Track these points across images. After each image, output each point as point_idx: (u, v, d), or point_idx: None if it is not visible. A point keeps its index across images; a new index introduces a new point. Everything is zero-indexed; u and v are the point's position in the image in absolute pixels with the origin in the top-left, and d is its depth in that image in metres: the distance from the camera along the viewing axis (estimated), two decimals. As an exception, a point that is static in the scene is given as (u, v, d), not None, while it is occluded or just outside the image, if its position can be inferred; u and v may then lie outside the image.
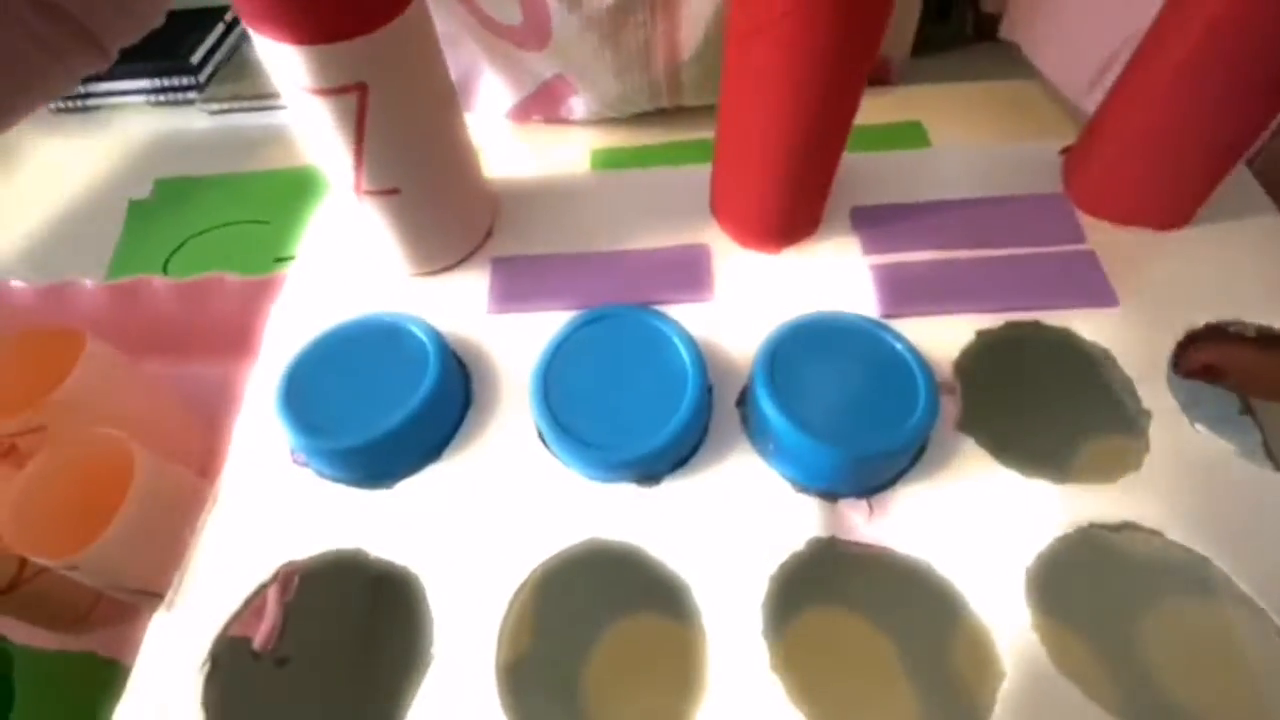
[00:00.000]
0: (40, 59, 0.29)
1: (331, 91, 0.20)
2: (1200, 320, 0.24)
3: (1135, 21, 0.24)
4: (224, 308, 0.37)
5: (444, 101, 0.23)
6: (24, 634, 0.30)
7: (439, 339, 0.24)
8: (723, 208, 0.28)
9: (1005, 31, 0.50)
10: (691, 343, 0.23)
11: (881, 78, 0.54)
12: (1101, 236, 0.27)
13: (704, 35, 0.44)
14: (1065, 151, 0.29)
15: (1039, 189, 0.29)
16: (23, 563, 0.28)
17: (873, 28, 0.21)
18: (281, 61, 0.20)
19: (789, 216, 0.27)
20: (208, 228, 0.51)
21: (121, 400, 0.30)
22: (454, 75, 0.53)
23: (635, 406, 0.22)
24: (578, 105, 0.51)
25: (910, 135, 0.51)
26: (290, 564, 0.22)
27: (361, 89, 0.20)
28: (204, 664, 0.20)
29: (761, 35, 0.21)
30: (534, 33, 0.45)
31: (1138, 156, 0.26)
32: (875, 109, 0.54)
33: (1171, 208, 0.27)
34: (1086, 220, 0.27)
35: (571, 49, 0.45)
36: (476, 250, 0.28)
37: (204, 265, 0.44)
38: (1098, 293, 0.25)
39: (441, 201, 0.25)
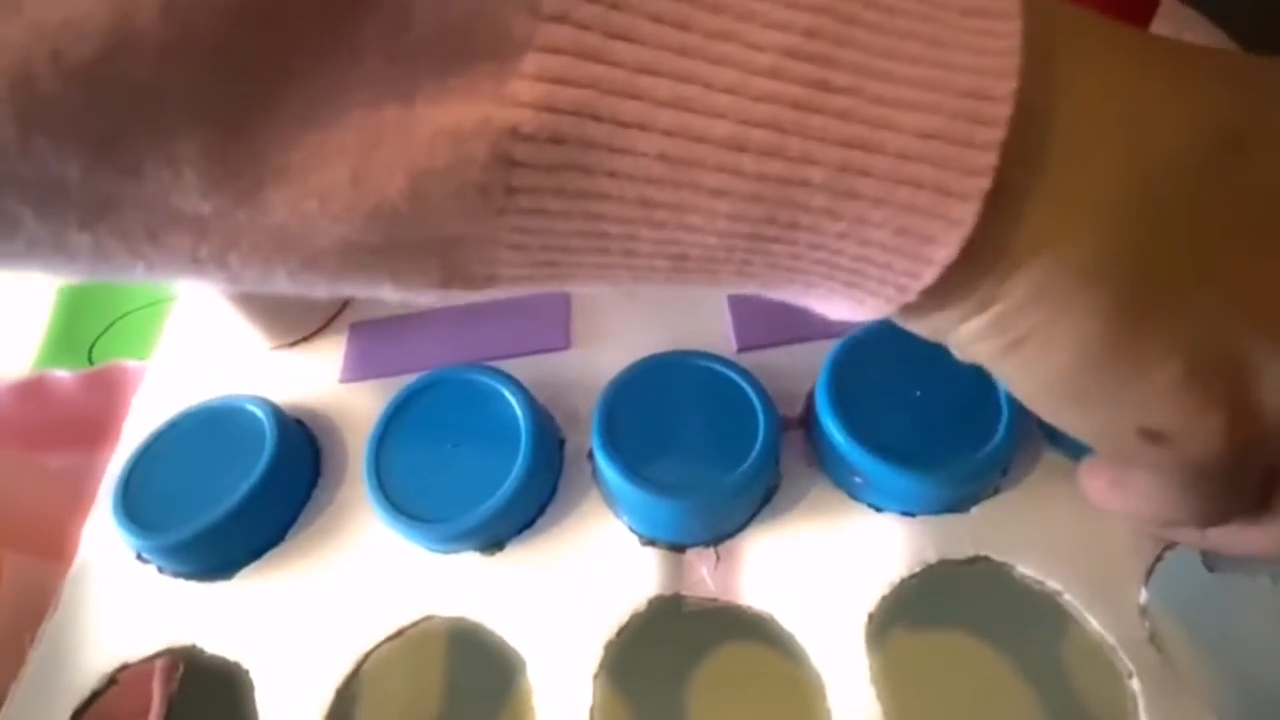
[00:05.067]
0: None
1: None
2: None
3: None
4: (125, 394, 0.37)
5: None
6: None
7: (277, 418, 0.23)
8: (578, 250, 0.27)
9: None
10: (528, 399, 0.22)
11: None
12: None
13: None
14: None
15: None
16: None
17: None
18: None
19: (640, 254, 0.26)
20: (130, 309, 0.51)
21: (8, 503, 0.30)
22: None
23: (470, 473, 0.21)
24: None
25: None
26: (128, 666, 0.21)
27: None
28: (31, 783, 0.19)
29: None
30: None
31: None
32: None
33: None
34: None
35: None
36: (337, 315, 0.28)
37: (127, 349, 0.44)
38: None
39: (279, 276, 0.25)
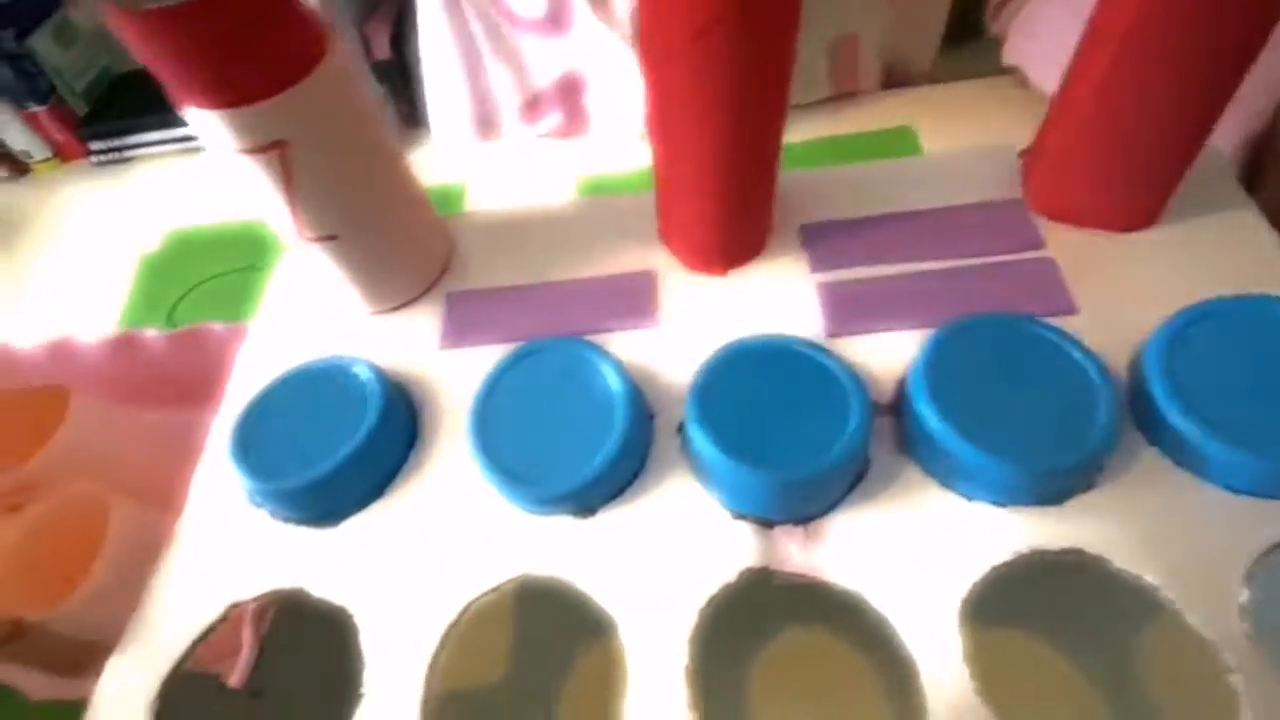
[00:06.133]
0: None
1: (254, 151, 0.21)
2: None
3: None
4: (214, 355, 0.39)
5: (373, 148, 0.24)
6: (31, 681, 0.31)
7: (381, 380, 0.24)
8: (668, 232, 0.28)
9: (1007, 57, 0.48)
10: (622, 372, 0.23)
11: (901, 79, 0.53)
12: (1061, 241, 0.26)
13: None
14: (1024, 153, 0.28)
15: (1000, 194, 0.28)
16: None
17: (784, 48, 0.21)
18: (203, 126, 0.21)
19: (730, 238, 0.27)
20: (209, 277, 0.53)
21: (110, 452, 0.32)
22: (471, 100, 0.55)
23: (567, 440, 0.22)
24: (593, 104, 0.52)
25: (900, 141, 0.50)
26: (237, 604, 0.22)
27: (282, 146, 0.21)
28: (152, 704, 0.21)
29: (674, 63, 0.21)
30: (556, 23, 0.46)
31: (1083, 158, 0.24)
32: (864, 116, 0.53)
33: (1130, 207, 0.25)
34: (1047, 225, 0.26)
35: (591, 43, 0.46)
36: (433, 285, 0.29)
37: (205, 313, 0.46)
38: (1054, 300, 0.24)
39: (386, 242, 0.26)
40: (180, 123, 0.76)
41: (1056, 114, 0.25)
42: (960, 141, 0.50)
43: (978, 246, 0.26)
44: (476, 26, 0.49)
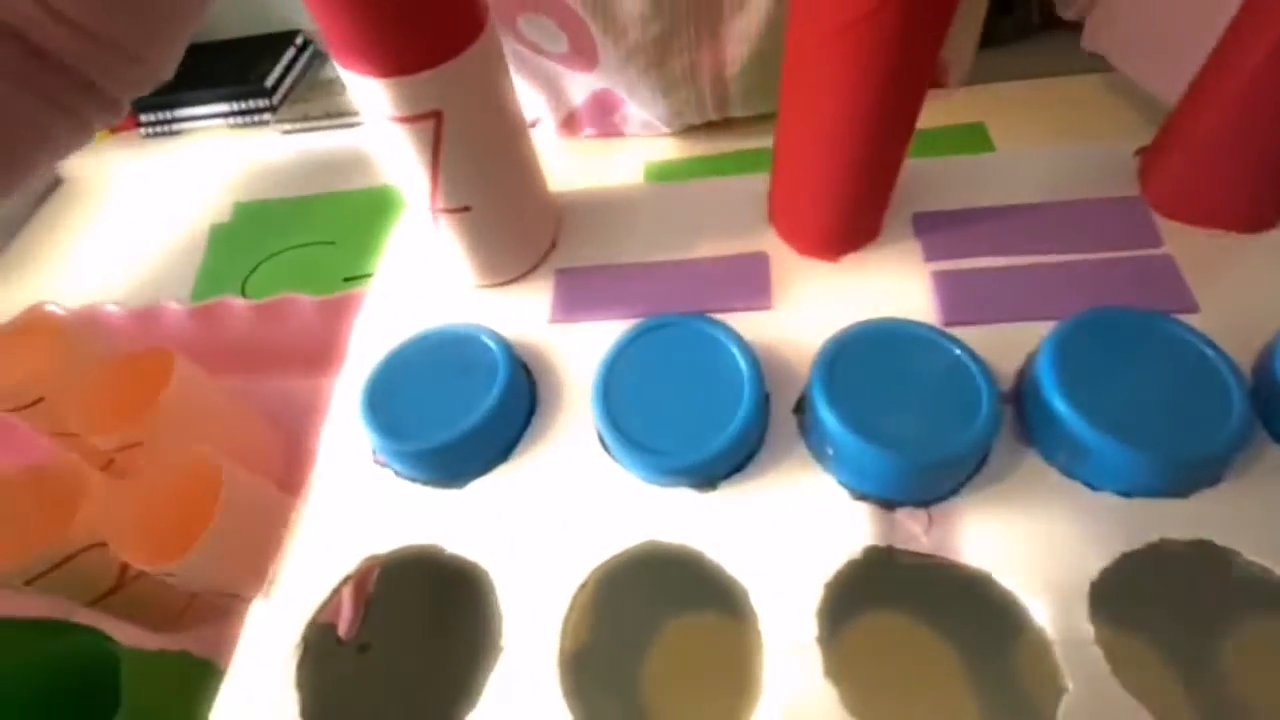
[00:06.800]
0: (44, 114, 0.27)
1: (410, 119, 0.22)
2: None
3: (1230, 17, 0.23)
4: (297, 326, 0.40)
5: (513, 123, 0.25)
6: (126, 633, 0.32)
7: (507, 348, 0.25)
8: (781, 216, 0.28)
9: (1087, 43, 0.48)
10: (748, 350, 0.24)
11: (938, 80, 0.53)
12: (1180, 240, 0.26)
13: (750, 52, 0.45)
14: (1140, 152, 0.28)
15: (1111, 192, 0.28)
16: (124, 566, 0.30)
17: (940, 29, 0.21)
18: (365, 93, 0.21)
19: (849, 223, 0.27)
20: (281, 249, 0.54)
21: (208, 416, 0.33)
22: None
23: (692, 413, 0.23)
24: (629, 116, 0.52)
25: (972, 138, 0.50)
26: (373, 558, 0.23)
27: (437, 116, 0.22)
28: (297, 647, 0.22)
29: (841, 35, 0.20)
30: (581, 58, 0.46)
31: (1220, 156, 0.25)
32: (935, 111, 0.53)
33: (1257, 208, 0.25)
34: (1163, 223, 0.27)
35: (618, 73, 0.46)
36: (541, 262, 0.30)
37: (277, 286, 0.47)
38: (1175, 298, 0.24)
39: (510, 217, 0.27)
40: (227, 99, 0.77)
41: (1188, 114, 0.25)
42: (1032, 140, 0.50)
43: (1093, 242, 0.26)
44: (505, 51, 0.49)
